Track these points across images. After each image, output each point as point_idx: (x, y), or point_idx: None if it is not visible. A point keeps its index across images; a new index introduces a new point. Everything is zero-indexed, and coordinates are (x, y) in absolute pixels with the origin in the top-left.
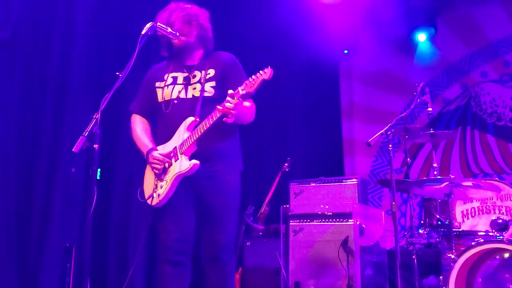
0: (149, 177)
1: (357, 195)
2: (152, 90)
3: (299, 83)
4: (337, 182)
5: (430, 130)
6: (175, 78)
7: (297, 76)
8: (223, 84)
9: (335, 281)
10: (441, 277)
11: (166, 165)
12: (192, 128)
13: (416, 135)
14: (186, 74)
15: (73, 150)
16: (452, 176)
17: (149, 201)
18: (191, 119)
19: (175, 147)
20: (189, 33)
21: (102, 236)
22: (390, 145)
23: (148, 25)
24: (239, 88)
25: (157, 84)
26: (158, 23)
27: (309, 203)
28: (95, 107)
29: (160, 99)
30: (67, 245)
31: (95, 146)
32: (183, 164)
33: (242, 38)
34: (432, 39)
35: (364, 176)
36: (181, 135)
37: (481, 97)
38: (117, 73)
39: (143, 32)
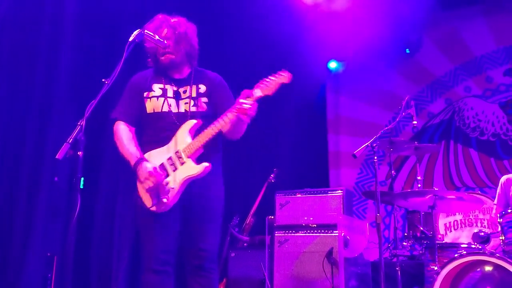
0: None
1: (342, 207)
2: (138, 99)
3: (286, 95)
4: (322, 194)
5: (415, 143)
6: (164, 91)
7: (284, 89)
8: (212, 101)
9: None
10: None
11: (171, 173)
12: (194, 131)
13: (400, 148)
14: (175, 88)
15: (56, 157)
16: (436, 189)
17: (153, 208)
18: (192, 121)
19: (178, 151)
20: (177, 52)
21: (85, 245)
22: (375, 157)
23: (135, 32)
24: (255, 90)
25: (144, 94)
26: (146, 31)
27: (295, 214)
28: (80, 114)
29: (149, 110)
30: (49, 254)
31: (79, 153)
32: (192, 168)
33: (228, 49)
34: (417, 53)
35: (349, 188)
36: (182, 139)
37: (465, 111)
38: (103, 80)
39: (130, 39)
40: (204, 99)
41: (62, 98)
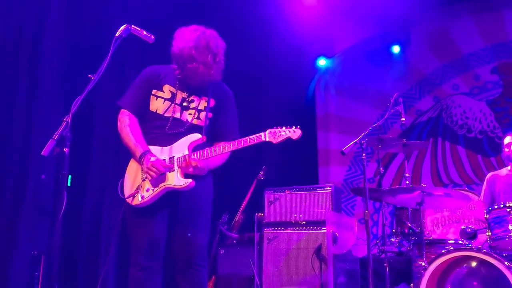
0: (134, 174)
1: (330, 203)
2: (147, 93)
3: (275, 92)
4: (311, 190)
5: (403, 140)
6: (173, 95)
7: (273, 86)
8: (216, 118)
9: None
10: (411, 284)
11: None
12: (194, 145)
13: (389, 145)
14: (185, 95)
15: (42, 153)
16: (424, 185)
17: (128, 200)
18: (197, 136)
19: (173, 158)
20: (216, 72)
21: (72, 243)
22: (364, 154)
23: (122, 27)
24: (262, 134)
25: (153, 91)
26: (133, 26)
27: (284, 211)
28: (67, 110)
29: (152, 108)
30: (35, 253)
31: (65, 149)
32: (179, 180)
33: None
34: (406, 51)
35: (337, 185)
36: (181, 148)
37: (452, 109)
38: (90, 76)
39: (117, 34)
40: (209, 114)
41: (48, 94)
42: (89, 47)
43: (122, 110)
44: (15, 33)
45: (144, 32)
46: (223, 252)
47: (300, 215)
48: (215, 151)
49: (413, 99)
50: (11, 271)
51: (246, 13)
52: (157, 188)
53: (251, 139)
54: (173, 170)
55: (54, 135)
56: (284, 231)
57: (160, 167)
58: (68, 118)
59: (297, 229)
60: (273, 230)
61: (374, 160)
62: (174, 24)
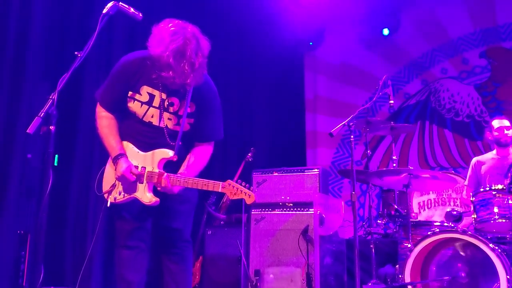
0: (112, 169)
1: (318, 185)
2: (124, 93)
3: (264, 74)
4: (299, 172)
5: (391, 123)
6: (151, 97)
7: (262, 68)
8: (199, 120)
9: (295, 269)
10: (397, 266)
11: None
12: (163, 163)
13: (376, 128)
14: (164, 96)
15: (27, 131)
16: (411, 168)
17: (105, 196)
18: (169, 154)
19: (144, 169)
20: (193, 80)
21: (59, 223)
22: (352, 136)
23: (110, 4)
24: (220, 185)
25: (130, 93)
26: (121, 3)
27: (271, 192)
28: (54, 87)
29: (131, 109)
30: (22, 232)
31: (51, 127)
32: (144, 195)
33: (206, 29)
34: (395, 34)
35: (325, 167)
36: (154, 162)
37: (441, 92)
38: (76, 53)
39: (104, 11)
40: (190, 120)
41: (34, 71)
42: (77, 24)
43: (99, 106)
44: (0, 9)
45: (132, 10)
46: (210, 232)
47: (288, 197)
48: (181, 181)
49: (401, 82)
50: None
51: None
52: (128, 195)
53: (208, 185)
54: (142, 182)
55: (40, 113)
56: (272, 212)
57: (131, 177)
58: (54, 96)
59: (285, 211)
60: (260, 211)
61: (362, 143)
62: (162, 1)
